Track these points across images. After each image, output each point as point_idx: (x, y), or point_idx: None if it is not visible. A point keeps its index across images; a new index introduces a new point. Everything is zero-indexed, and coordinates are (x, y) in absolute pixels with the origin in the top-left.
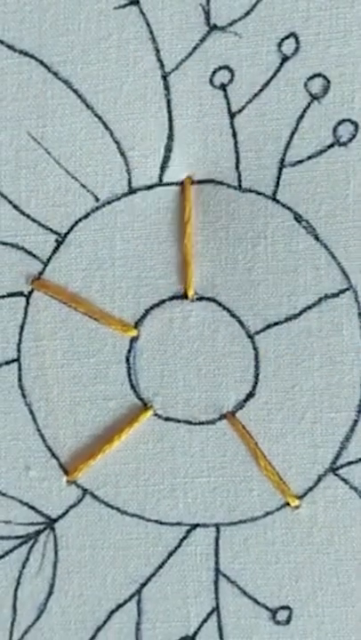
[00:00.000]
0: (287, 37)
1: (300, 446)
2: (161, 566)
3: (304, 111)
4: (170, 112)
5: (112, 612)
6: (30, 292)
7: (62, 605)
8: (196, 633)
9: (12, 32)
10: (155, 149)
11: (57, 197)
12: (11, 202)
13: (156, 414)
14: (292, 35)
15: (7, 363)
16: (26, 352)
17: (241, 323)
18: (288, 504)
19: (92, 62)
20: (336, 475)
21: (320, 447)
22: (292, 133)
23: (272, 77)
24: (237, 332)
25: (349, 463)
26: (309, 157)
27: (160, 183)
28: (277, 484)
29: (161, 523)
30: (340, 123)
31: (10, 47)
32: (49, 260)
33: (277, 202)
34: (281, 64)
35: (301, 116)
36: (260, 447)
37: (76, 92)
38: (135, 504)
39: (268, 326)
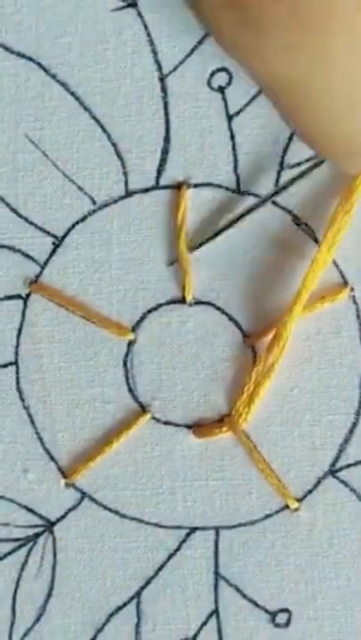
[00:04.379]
0: None
1: (299, 449)
2: (160, 569)
3: None
4: (167, 114)
5: (112, 615)
6: (28, 295)
7: (61, 608)
8: (195, 636)
9: (10, 34)
10: (152, 152)
11: (54, 200)
12: (8, 204)
13: (154, 418)
14: None
15: (5, 365)
16: (24, 355)
17: (239, 327)
18: (287, 507)
19: (89, 64)
20: (335, 477)
21: (319, 450)
22: (291, 135)
23: None
24: (236, 336)
25: (349, 465)
26: (308, 159)
27: (157, 186)
28: (277, 487)
29: (160, 526)
30: None
31: (7, 49)
32: (46, 262)
33: (276, 204)
34: None
35: None
36: (259, 450)
37: (73, 94)
38: (134, 507)
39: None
